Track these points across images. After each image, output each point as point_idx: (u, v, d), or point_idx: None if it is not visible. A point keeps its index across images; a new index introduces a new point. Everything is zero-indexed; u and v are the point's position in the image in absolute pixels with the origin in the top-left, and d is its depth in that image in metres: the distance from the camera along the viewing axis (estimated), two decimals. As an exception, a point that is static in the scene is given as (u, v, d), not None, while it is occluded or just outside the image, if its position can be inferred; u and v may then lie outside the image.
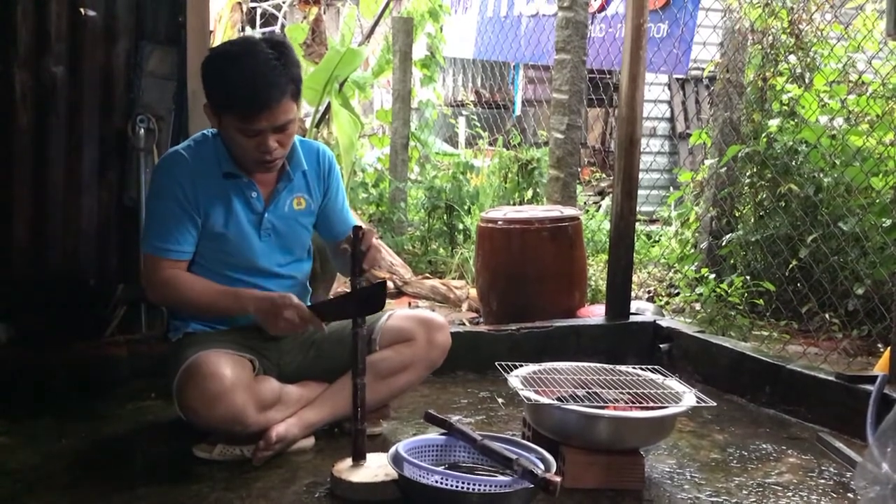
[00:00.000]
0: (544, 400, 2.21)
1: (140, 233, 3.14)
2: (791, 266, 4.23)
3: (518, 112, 9.42)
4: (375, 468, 2.08)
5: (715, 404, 2.30)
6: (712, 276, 4.42)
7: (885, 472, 1.44)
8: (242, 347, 2.33)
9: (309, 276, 2.61)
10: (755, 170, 4.70)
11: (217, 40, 8.86)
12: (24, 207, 3.10)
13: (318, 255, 2.65)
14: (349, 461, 2.13)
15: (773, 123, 4.58)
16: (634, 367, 2.50)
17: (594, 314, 3.76)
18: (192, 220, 2.33)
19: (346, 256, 2.20)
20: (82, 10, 3.09)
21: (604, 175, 8.55)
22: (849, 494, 2.20)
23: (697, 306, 4.50)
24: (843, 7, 4.69)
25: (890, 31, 2.47)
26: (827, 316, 4.06)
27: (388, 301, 4.84)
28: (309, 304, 2.46)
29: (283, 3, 10.63)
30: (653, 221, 6.84)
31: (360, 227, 2.22)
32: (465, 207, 5.90)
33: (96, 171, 3.18)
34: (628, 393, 2.30)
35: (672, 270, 5.24)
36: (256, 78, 2.19)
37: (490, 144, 7.55)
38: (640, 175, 3.66)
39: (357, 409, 2.14)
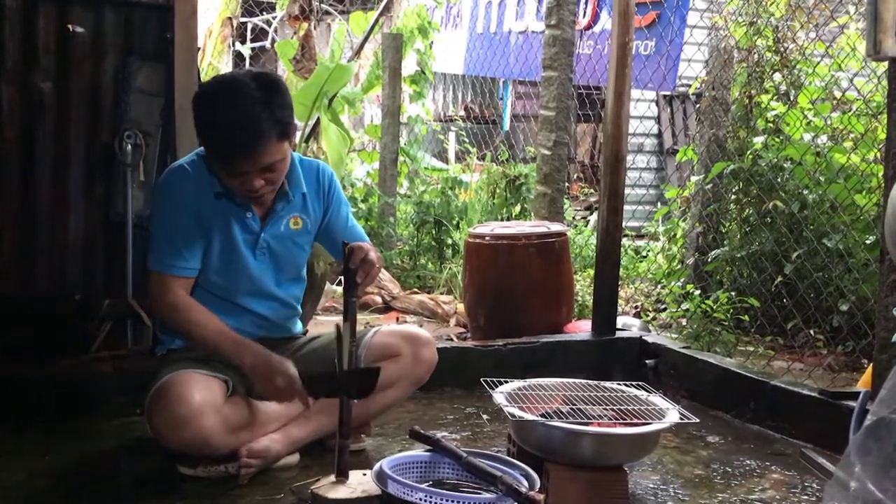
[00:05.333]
0: (528, 416, 2.22)
1: (126, 248, 3.16)
2: (776, 282, 4.26)
3: (507, 127, 9.47)
4: (355, 485, 2.08)
5: (698, 420, 2.31)
6: (698, 291, 4.44)
7: (855, 489, 1.46)
8: (221, 366, 2.32)
9: (300, 298, 2.61)
10: (741, 186, 4.73)
11: (207, 55, 8.89)
12: (11, 222, 3.09)
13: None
14: (331, 478, 2.12)
15: (759, 140, 4.62)
16: (619, 384, 2.52)
17: (581, 330, 3.78)
18: (198, 234, 2.32)
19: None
20: (70, 26, 3.10)
21: (593, 190, 8.60)
22: (831, 511, 2.22)
23: (684, 322, 4.52)
24: (827, 26, 4.74)
25: (870, 52, 2.50)
26: (811, 332, 4.08)
27: (376, 316, 4.87)
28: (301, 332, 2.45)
29: (274, 18, 10.67)
30: (641, 237, 6.88)
31: (347, 243, 2.23)
32: (454, 222, 5.92)
33: (83, 187, 3.18)
34: (612, 409, 2.31)
35: (659, 286, 5.26)
36: (237, 123, 2.15)
37: (479, 160, 7.59)
38: (628, 191, 3.69)
39: (342, 425, 2.14)
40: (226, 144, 2.19)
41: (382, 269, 5.19)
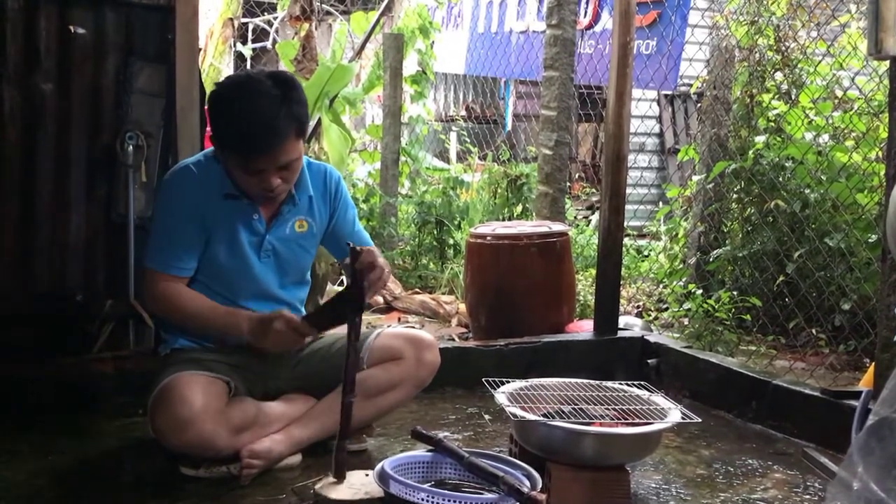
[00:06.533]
0: (530, 416, 2.21)
1: (128, 249, 3.16)
2: (778, 281, 4.26)
3: (509, 127, 9.46)
4: (358, 485, 2.08)
5: (700, 420, 2.30)
6: (700, 291, 4.44)
7: (858, 489, 1.46)
8: (223, 367, 2.33)
9: (304, 300, 2.61)
10: (742, 186, 4.73)
11: (208, 56, 8.89)
12: (12, 223, 3.09)
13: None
14: (330, 478, 2.13)
15: (760, 140, 4.62)
16: (621, 383, 2.51)
17: (583, 329, 3.78)
18: (197, 236, 2.33)
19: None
20: (71, 27, 3.10)
21: (594, 190, 8.60)
22: (833, 510, 2.21)
23: (686, 321, 4.52)
24: (828, 25, 4.74)
25: (871, 51, 2.50)
26: (813, 331, 4.08)
27: (378, 317, 4.87)
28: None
29: (275, 19, 10.67)
30: (642, 236, 6.87)
31: (352, 245, 2.22)
32: (455, 222, 5.92)
33: (84, 187, 3.18)
34: (614, 409, 2.31)
35: (661, 285, 5.25)
36: (256, 122, 2.17)
37: (480, 159, 7.58)
38: (629, 190, 3.69)
39: (342, 427, 2.14)
40: (245, 143, 2.20)
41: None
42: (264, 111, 2.17)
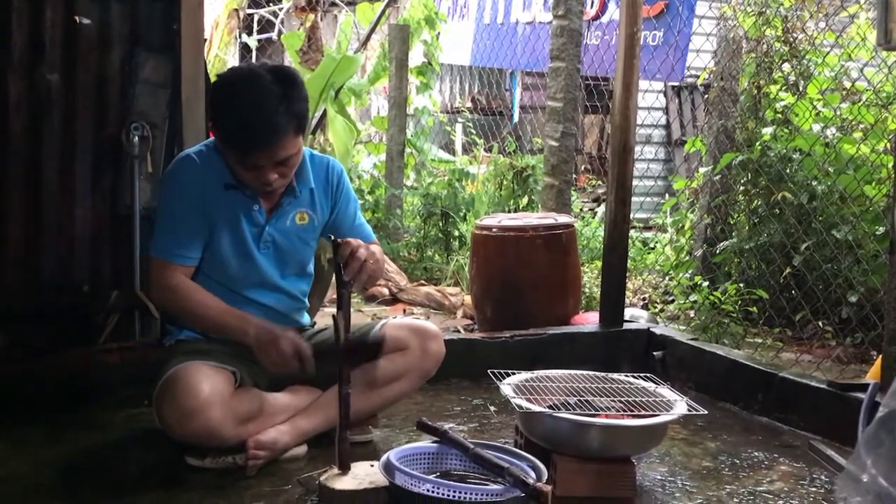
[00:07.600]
0: (536, 408, 2.21)
1: (133, 240, 3.17)
2: (785, 274, 4.24)
3: (515, 119, 9.43)
4: (362, 476, 2.08)
5: (706, 412, 2.30)
6: (706, 283, 4.43)
7: (867, 482, 1.45)
8: (228, 357, 2.32)
9: (307, 293, 2.61)
10: (749, 177, 4.70)
11: (213, 47, 8.89)
12: (18, 214, 3.09)
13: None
14: (336, 469, 2.13)
15: (767, 131, 4.59)
16: (627, 375, 2.51)
17: (588, 321, 3.77)
18: (200, 225, 2.33)
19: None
20: (77, 17, 3.10)
21: (600, 182, 8.56)
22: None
23: (692, 314, 4.51)
24: (837, 16, 4.71)
25: (880, 42, 2.48)
26: (820, 323, 4.07)
27: (383, 308, 4.87)
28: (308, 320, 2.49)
29: (280, 9, 10.65)
30: (648, 228, 6.85)
31: (333, 238, 2.21)
32: (461, 214, 5.91)
33: (90, 179, 3.18)
34: (620, 401, 2.30)
35: (667, 277, 5.24)
36: (255, 118, 2.16)
37: (486, 151, 7.56)
38: (636, 182, 3.68)
39: (341, 418, 2.14)
40: (243, 138, 2.19)
41: (390, 261, 5.22)
42: (263, 107, 2.16)
